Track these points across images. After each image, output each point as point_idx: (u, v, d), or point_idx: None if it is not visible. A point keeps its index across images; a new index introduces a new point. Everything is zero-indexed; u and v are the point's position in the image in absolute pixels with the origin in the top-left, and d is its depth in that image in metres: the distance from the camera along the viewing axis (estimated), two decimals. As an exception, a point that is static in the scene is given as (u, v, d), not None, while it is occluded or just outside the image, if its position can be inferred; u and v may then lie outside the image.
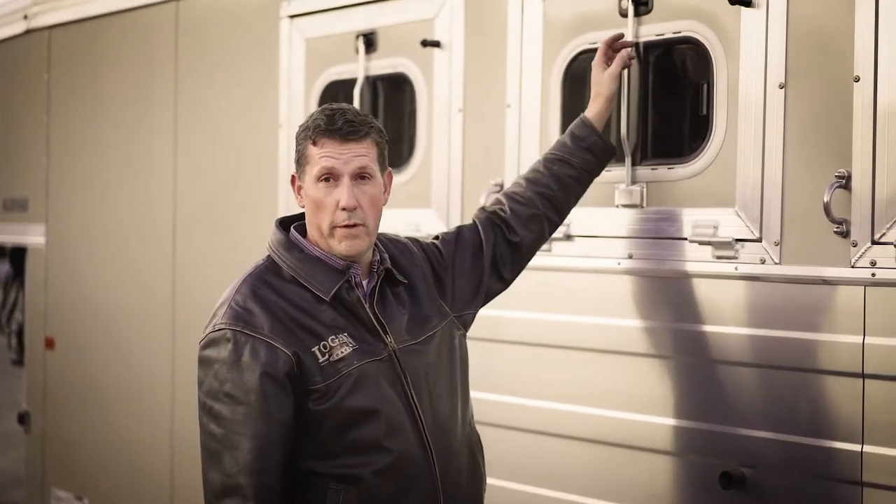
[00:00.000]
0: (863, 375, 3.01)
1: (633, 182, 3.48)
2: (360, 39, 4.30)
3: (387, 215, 4.12)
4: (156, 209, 5.34)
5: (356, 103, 4.27)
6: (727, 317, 3.29)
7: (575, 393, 3.65)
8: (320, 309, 2.81)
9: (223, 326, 2.77)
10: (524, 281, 3.54)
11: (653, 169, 3.46)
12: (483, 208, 3.30)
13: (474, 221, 3.24)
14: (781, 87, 3.17)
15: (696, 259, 3.35)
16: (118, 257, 5.61)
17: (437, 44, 4.05)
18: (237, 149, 4.94)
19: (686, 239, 3.35)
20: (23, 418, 6.29)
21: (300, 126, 2.89)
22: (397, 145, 4.28)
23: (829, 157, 3.08)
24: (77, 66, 5.94)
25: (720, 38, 3.30)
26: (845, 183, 3.03)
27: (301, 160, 2.87)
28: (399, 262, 3.00)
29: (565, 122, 3.66)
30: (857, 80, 3.01)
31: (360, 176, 2.83)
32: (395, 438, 2.80)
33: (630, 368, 3.50)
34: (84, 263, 5.85)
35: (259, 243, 4.58)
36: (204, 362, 2.79)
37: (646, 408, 3.46)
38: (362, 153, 2.83)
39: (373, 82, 4.33)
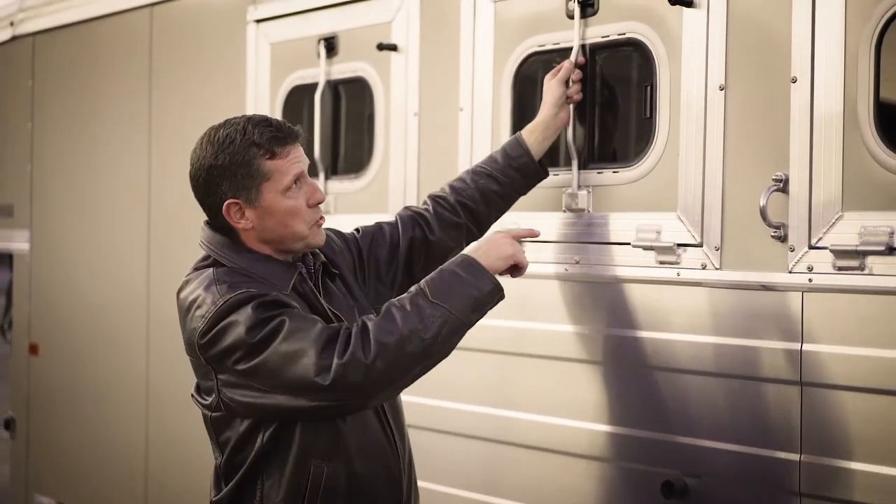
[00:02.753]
0: (800, 383, 2.95)
1: (580, 186, 3.43)
2: (322, 44, 4.27)
3: (346, 221, 4.11)
4: (131, 214, 5.33)
5: (317, 108, 4.24)
6: (671, 323, 3.23)
7: (516, 399, 3.60)
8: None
9: (229, 295, 2.64)
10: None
11: (598, 173, 3.40)
12: (407, 207, 3.31)
13: (396, 218, 3.24)
14: (722, 88, 3.11)
15: (640, 264, 3.29)
16: (99, 263, 5.60)
17: (393, 47, 4.01)
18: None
19: (629, 244, 3.29)
20: (9, 424, 6.29)
21: (233, 148, 2.74)
22: (358, 151, 4.25)
23: (768, 160, 3.01)
24: (59, 73, 5.94)
25: (663, 39, 3.24)
26: (783, 186, 2.97)
27: (251, 181, 2.73)
28: (327, 254, 2.98)
29: (516, 125, 3.61)
30: (794, 81, 2.95)
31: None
32: (365, 426, 2.82)
33: (574, 375, 3.44)
34: (67, 269, 5.85)
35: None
36: (223, 331, 2.62)
37: (588, 415, 3.40)
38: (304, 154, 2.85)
39: (334, 87, 4.29)
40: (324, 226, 2.93)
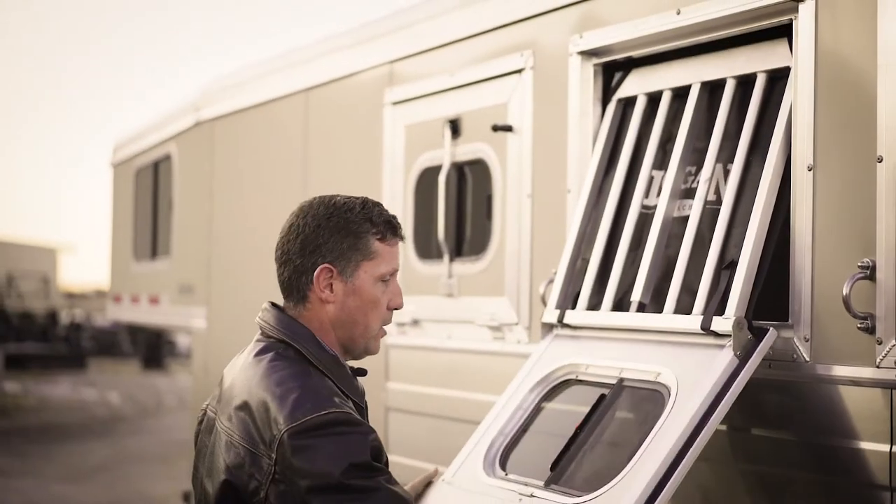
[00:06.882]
0: (891, 489, 2.70)
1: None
2: (447, 125, 4.25)
3: (468, 304, 4.05)
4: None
5: (441, 190, 4.23)
6: (759, 418, 3.03)
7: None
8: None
9: (333, 409, 2.43)
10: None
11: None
12: None
13: None
14: (810, 169, 2.91)
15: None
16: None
17: (508, 128, 3.95)
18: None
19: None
20: (187, 497, 6.47)
21: (350, 215, 2.57)
22: (480, 233, 4.19)
23: (856, 245, 2.80)
24: (233, 154, 6.15)
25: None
26: (870, 273, 2.74)
27: (354, 254, 2.57)
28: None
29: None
30: (880, 160, 2.74)
31: None
32: None
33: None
34: (238, 346, 5.97)
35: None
36: (317, 448, 2.40)
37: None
38: None
39: (459, 168, 4.27)
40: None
